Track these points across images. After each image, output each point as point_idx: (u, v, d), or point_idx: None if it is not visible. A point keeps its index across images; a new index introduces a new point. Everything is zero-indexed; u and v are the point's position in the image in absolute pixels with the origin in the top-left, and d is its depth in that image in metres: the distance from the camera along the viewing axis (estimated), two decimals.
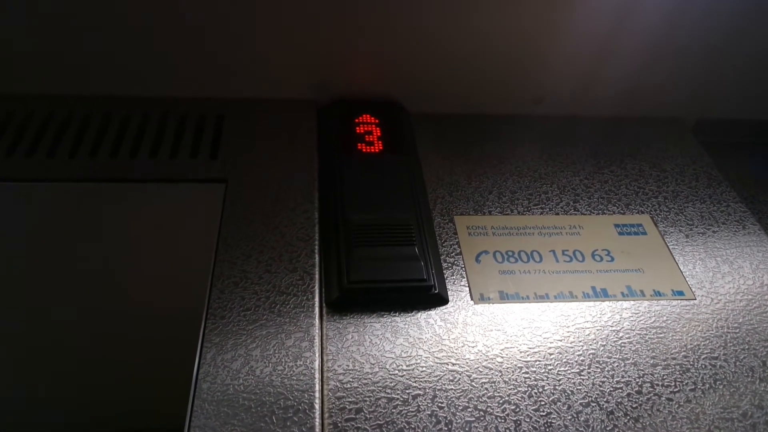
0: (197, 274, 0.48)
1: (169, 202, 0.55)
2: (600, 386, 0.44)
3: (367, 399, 0.41)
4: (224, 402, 0.39)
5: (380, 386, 0.42)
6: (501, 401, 0.42)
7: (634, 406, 0.43)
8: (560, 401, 0.43)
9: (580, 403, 0.43)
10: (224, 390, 0.40)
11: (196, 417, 0.39)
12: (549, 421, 0.41)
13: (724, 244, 0.56)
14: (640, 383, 0.44)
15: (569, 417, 0.42)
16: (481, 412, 0.41)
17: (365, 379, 0.42)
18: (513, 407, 0.42)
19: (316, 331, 0.44)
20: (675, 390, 0.44)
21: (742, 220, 0.59)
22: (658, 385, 0.44)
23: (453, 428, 0.40)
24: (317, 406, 0.40)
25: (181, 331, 0.46)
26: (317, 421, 0.39)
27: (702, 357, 0.47)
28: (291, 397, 0.40)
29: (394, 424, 0.40)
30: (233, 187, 0.53)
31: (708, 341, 0.48)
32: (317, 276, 0.48)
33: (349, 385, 0.42)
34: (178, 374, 0.42)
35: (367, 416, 0.40)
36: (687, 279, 0.52)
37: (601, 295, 0.50)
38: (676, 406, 0.43)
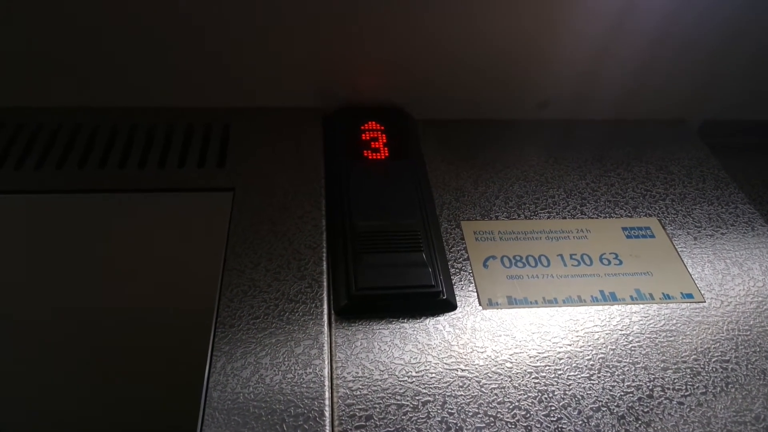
0: (206, 283, 0.48)
1: (177, 212, 0.55)
2: (610, 390, 0.44)
3: (377, 406, 0.41)
4: (235, 410, 0.40)
5: (390, 393, 0.42)
6: (511, 407, 0.42)
7: (645, 410, 0.43)
8: (570, 406, 0.42)
9: (591, 408, 0.42)
10: (234, 398, 0.40)
11: (206, 426, 0.39)
12: (560, 426, 0.41)
13: (733, 246, 0.56)
14: (650, 387, 0.44)
15: (580, 422, 0.42)
16: (492, 418, 0.41)
17: (375, 386, 0.42)
18: (523, 413, 0.42)
19: (325, 338, 0.44)
20: (686, 394, 0.44)
21: (751, 221, 0.58)
22: (669, 388, 0.44)
23: None
24: (327, 414, 0.40)
25: (190, 340, 0.46)
26: (327, 428, 0.39)
27: (713, 360, 0.46)
28: (301, 405, 0.40)
29: (404, 431, 0.40)
30: (241, 196, 0.54)
31: (719, 344, 0.47)
32: (325, 283, 0.48)
33: (358, 392, 0.42)
34: (188, 383, 0.42)
35: (377, 423, 0.40)
36: (696, 282, 0.52)
37: (610, 298, 0.50)
38: (688, 410, 0.43)
